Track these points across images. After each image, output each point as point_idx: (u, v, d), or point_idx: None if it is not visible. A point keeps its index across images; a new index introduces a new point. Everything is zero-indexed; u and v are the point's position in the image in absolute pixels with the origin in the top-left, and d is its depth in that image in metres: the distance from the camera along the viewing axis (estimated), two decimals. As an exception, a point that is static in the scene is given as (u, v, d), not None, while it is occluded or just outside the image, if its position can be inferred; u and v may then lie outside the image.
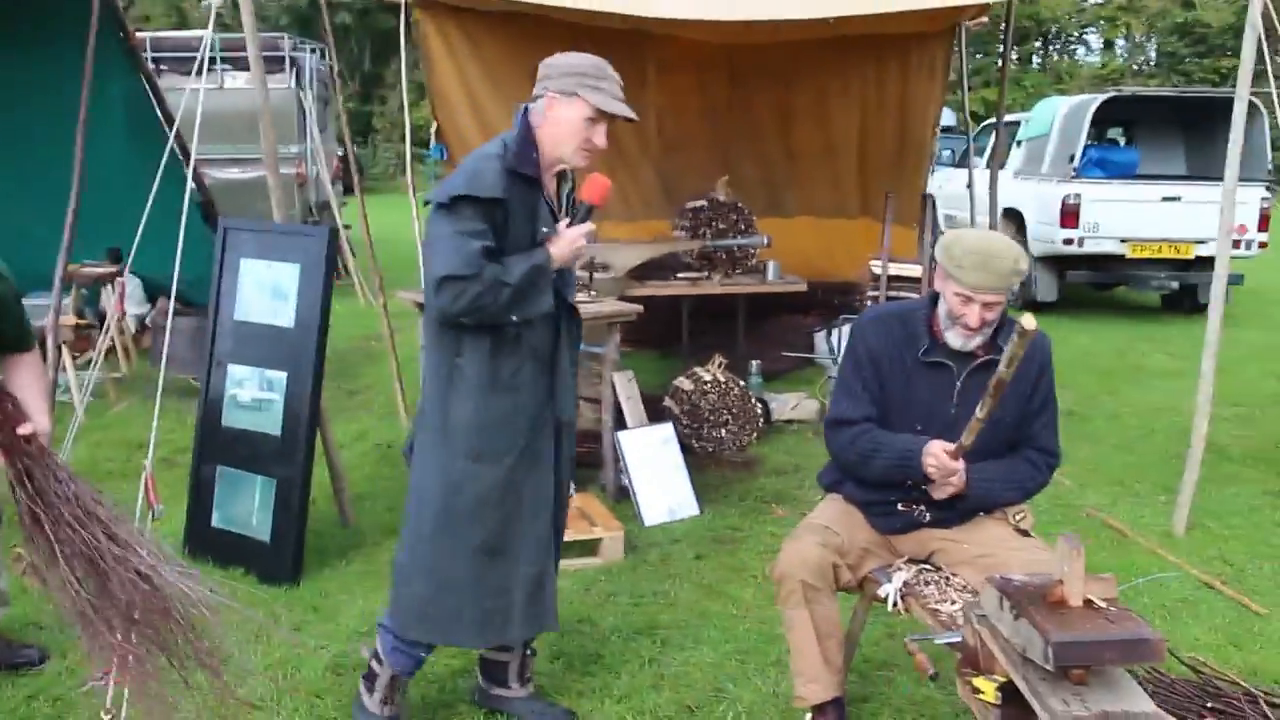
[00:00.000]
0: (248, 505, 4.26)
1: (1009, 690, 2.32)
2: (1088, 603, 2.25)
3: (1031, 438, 3.00)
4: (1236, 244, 9.93)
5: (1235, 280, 10.24)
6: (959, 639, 2.59)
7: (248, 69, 10.51)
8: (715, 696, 3.39)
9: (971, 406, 2.79)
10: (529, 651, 3.25)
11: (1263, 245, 9.84)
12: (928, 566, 3.06)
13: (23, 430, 2.96)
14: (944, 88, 8.14)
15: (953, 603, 2.88)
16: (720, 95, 8.18)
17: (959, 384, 2.93)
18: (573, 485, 4.94)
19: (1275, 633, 3.86)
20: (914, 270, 5.39)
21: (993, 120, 12.35)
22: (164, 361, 4.67)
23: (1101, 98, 10.11)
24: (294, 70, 10.84)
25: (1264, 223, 9.80)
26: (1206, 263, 10.19)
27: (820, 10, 5.48)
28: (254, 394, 4.29)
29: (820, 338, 7.89)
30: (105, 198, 6.77)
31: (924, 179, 8.15)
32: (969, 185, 8.31)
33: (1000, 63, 7.90)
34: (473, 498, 2.84)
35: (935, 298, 2.97)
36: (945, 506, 2.98)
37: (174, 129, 7.58)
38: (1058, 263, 10.23)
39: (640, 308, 5.19)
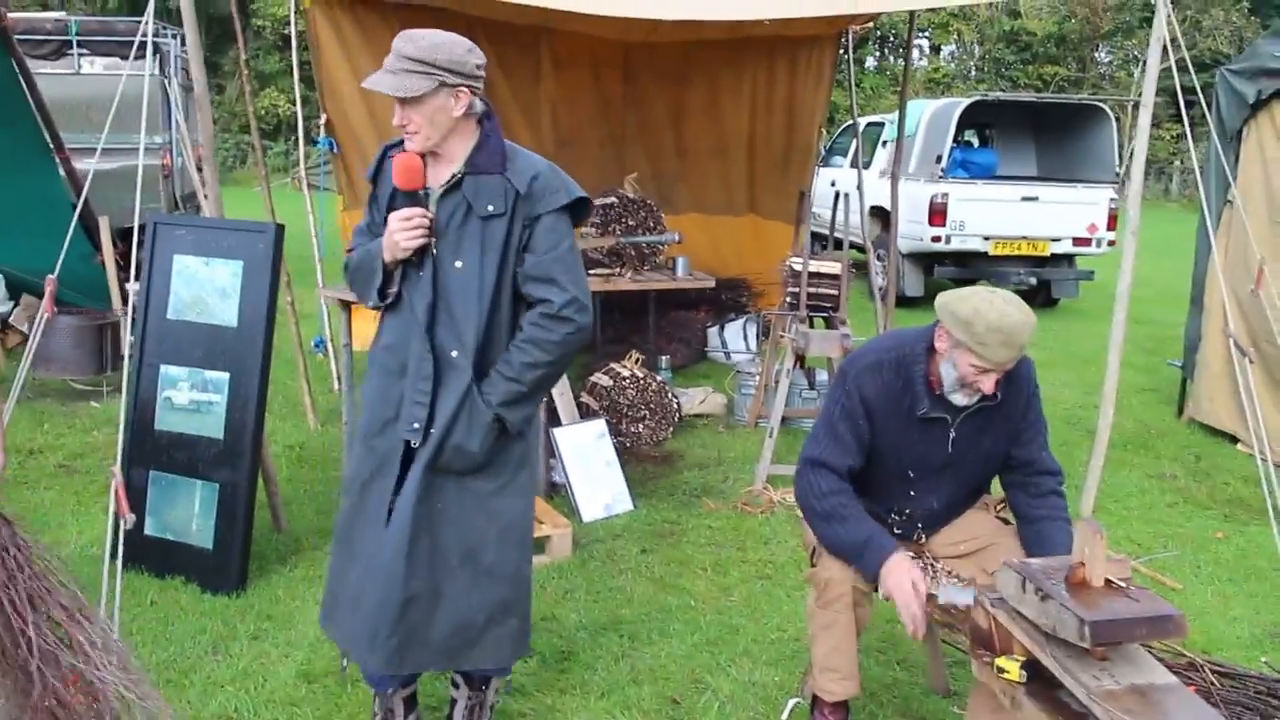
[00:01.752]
0: (187, 512, 4.10)
1: (1030, 669, 2.46)
2: (1107, 583, 2.41)
3: (1031, 463, 3.02)
4: (1087, 242, 10.57)
5: (1086, 276, 10.92)
6: (970, 599, 2.70)
7: (106, 54, 10.11)
8: (695, 688, 3.46)
9: (964, 453, 2.94)
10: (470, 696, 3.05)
11: (1111, 243, 10.46)
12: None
13: None
14: (830, 89, 8.40)
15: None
16: (614, 91, 8.24)
17: (953, 434, 2.97)
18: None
19: (1192, 606, 4.15)
20: (833, 267, 5.54)
21: (852, 122, 12.84)
22: (26, 362, 4.44)
23: (967, 101, 10.58)
24: (157, 57, 10.39)
25: (1112, 222, 10.42)
26: (1060, 260, 10.81)
27: (734, 13, 5.57)
28: (191, 396, 4.13)
29: (713, 333, 8.05)
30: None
31: (809, 178, 8.40)
32: (834, 184, 8.58)
33: (851, 66, 8.18)
34: None
35: (929, 348, 2.92)
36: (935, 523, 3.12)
37: (44, 115, 7.25)
38: (925, 259, 10.66)
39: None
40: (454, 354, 2.70)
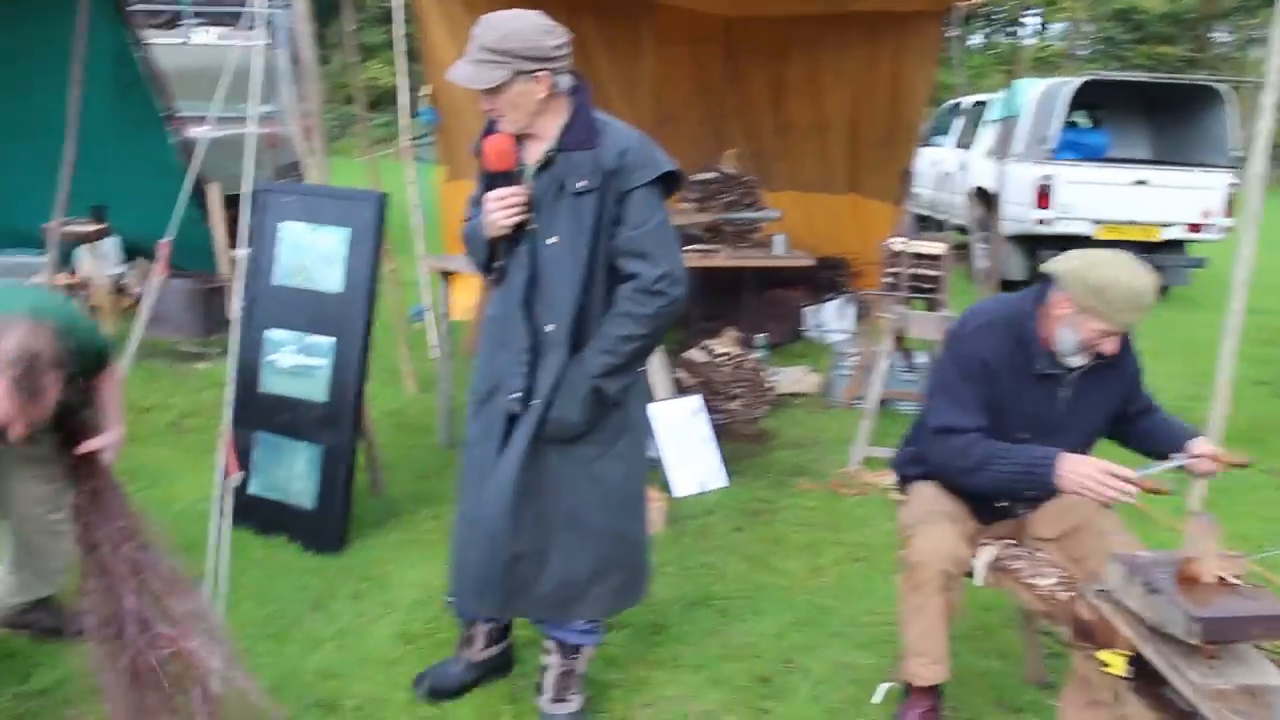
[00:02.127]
0: (290, 472, 4.20)
1: (1134, 663, 2.40)
2: (1219, 579, 2.33)
3: (1141, 411, 3.10)
4: (1200, 228, 10.23)
5: (1197, 264, 10.57)
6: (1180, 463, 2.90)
7: (218, 24, 10.32)
8: (785, 667, 3.44)
9: (1076, 411, 2.93)
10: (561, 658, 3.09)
11: (1226, 230, 10.10)
12: (1011, 541, 3.13)
13: (84, 449, 2.92)
14: (935, 67, 8.24)
15: (1046, 577, 2.95)
16: (715, 68, 8.21)
17: (1067, 391, 2.94)
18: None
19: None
20: (935, 248, 5.45)
21: (956, 100, 12.57)
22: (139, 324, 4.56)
23: (1078, 81, 10.27)
24: (268, 27, 10.59)
25: (1227, 208, 10.06)
26: (1171, 246, 10.47)
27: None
28: (296, 360, 4.23)
29: (809, 312, 7.98)
30: (88, 154, 6.59)
31: (911, 158, 8.25)
32: (936, 164, 8.40)
33: (958, 43, 7.99)
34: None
35: (1035, 302, 2.91)
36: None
37: (161, 85, 7.45)
38: (1029, 242, 10.41)
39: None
40: (550, 328, 2.76)
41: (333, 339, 4.16)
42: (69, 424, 3.04)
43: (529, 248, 2.76)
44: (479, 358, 2.95)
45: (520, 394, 2.79)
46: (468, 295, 7.21)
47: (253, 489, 4.25)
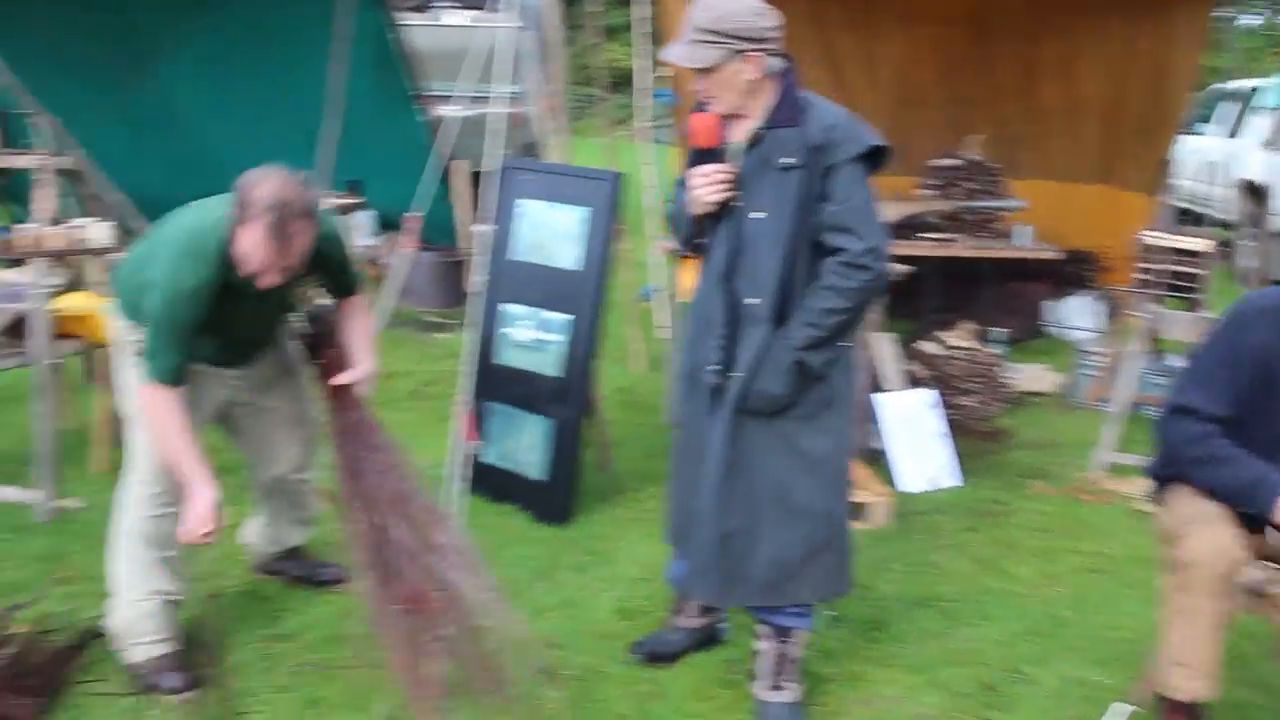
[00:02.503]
0: (521, 443, 4.32)
1: None
2: None
3: None
4: None
5: None
6: None
7: (469, 6, 10.67)
8: (1012, 677, 3.29)
9: None
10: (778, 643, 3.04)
11: None
12: (1273, 565, 2.89)
13: (339, 380, 3.07)
14: (1201, 50, 7.68)
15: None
16: (961, 49, 7.89)
17: None
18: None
19: None
20: (1197, 244, 5.08)
21: (1225, 85, 11.70)
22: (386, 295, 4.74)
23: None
24: (517, 9, 10.90)
25: None
26: None
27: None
28: (531, 334, 4.33)
29: (1052, 307, 7.61)
30: (345, 130, 6.95)
31: (1170, 147, 7.73)
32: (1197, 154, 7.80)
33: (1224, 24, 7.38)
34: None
35: None
36: None
37: (412, 65, 7.77)
38: (1301, 241, 9.62)
39: (909, 268, 5.06)
40: (752, 301, 2.79)
41: (567, 316, 4.25)
42: (324, 355, 3.23)
43: (732, 223, 2.80)
44: (686, 336, 3.02)
45: (718, 366, 2.83)
46: (693, 277, 7.24)
47: (486, 458, 4.39)
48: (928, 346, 5.75)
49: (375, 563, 2.91)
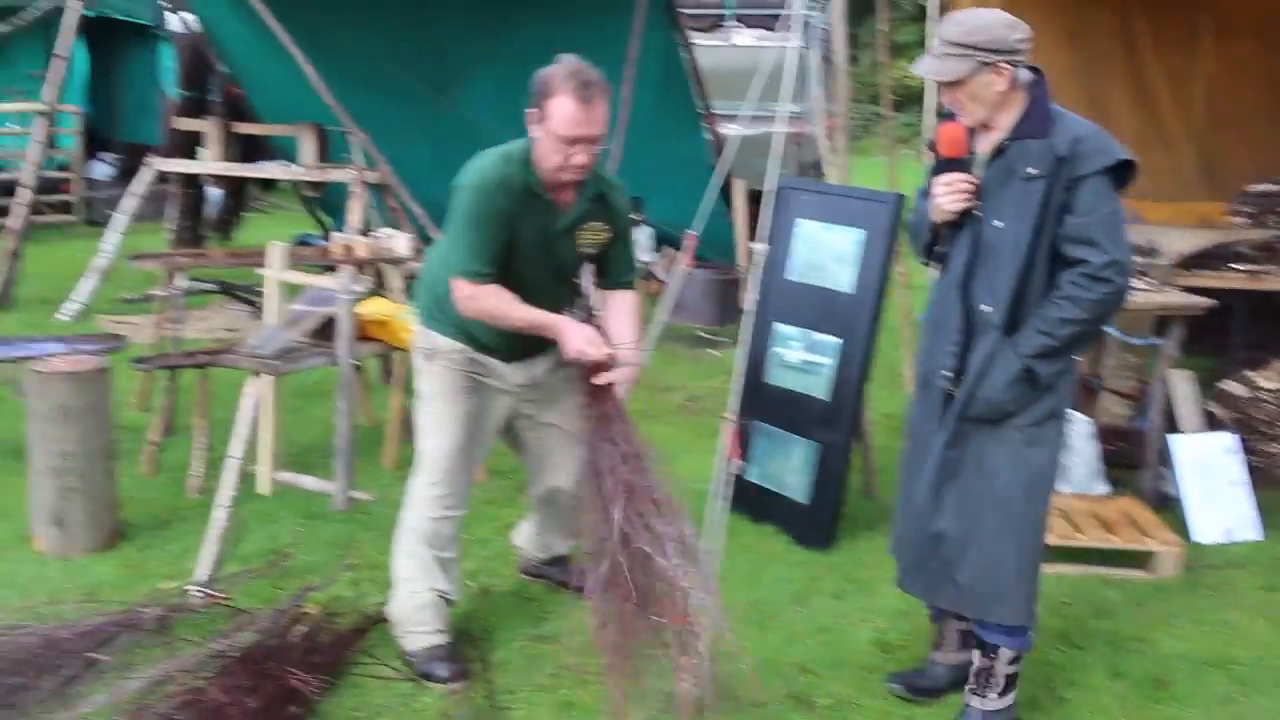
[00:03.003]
0: (786, 465, 4.30)
1: None
2: None
3: None
4: None
5: None
6: None
7: (757, 27, 10.76)
8: (1315, 756, 2.99)
9: None
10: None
11: None
12: None
13: (601, 378, 3.13)
14: None
15: None
16: (1284, 65, 7.26)
17: None
18: (1105, 485, 4.63)
19: None
20: None
21: None
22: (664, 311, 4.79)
23: None
24: (803, 28, 10.92)
25: None
26: None
27: None
28: (802, 356, 4.30)
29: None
30: (631, 147, 7.13)
31: None
32: None
33: None
34: None
35: None
36: None
37: (700, 84, 7.91)
38: None
39: (1211, 302, 4.70)
40: (986, 309, 2.82)
41: (839, 339, 4.19)
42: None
43: (972, 231, 2.84)
44: (921, 343, 3.07)
45: (951, 373, 2.87)
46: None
47: (750, 476, 4.39)
48: (1233, 387, 5.31)
49: (610, 557, 2.97)
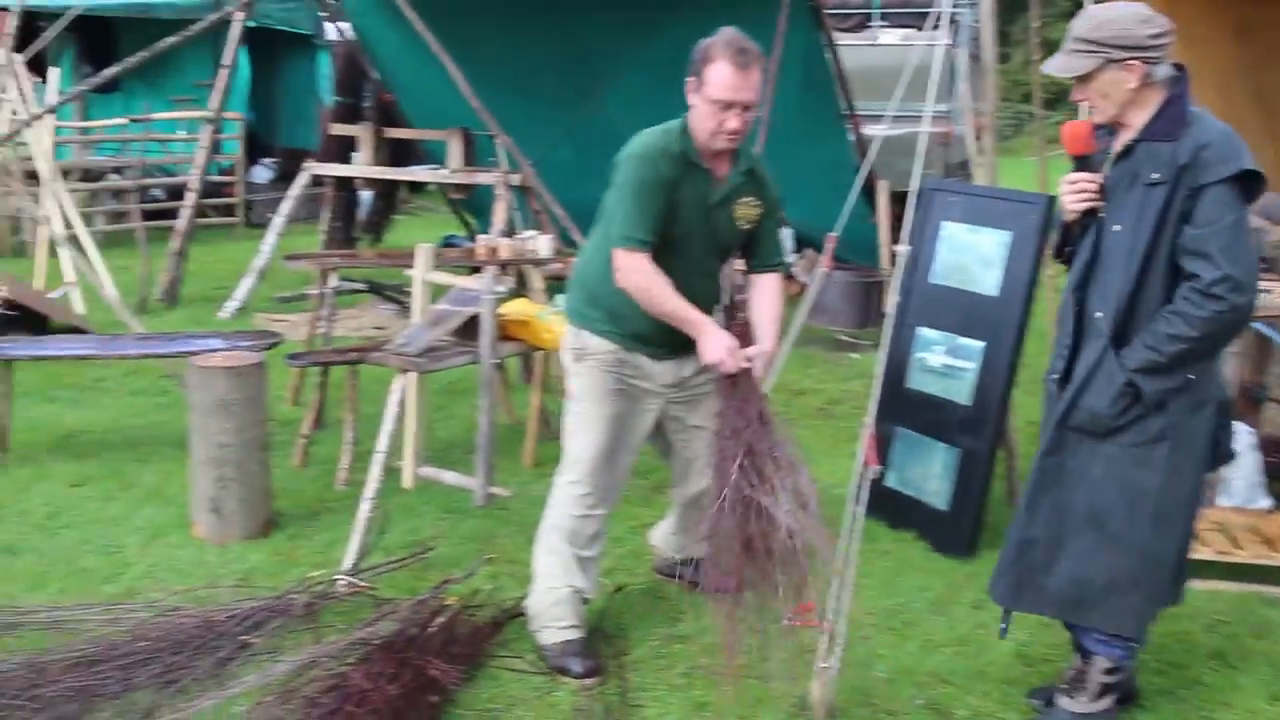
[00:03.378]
0: (926, 471, 4.22)
1: None
2: None
3: None
4: None
5: None
6: None
7: (903, 25, 10.60)
8: None
9: None
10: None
11: None
12: None
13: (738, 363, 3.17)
14: None
15: None
16: None
17: None
18: (1267, 499, 4.41)
19: None
20: None
21: None
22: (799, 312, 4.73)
23: None
24: (952, 26, 10.71)
25: None
26: None
27: None
28: (944, 360, 4.22)
29: None
30: (772, 148, 7.08)
31: None
32: None
33: None
34: None
35: None
36: None
37: (844, 84, 7.82)
38: None
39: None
40: (1098, 315, 2.77)
41: (983, 343, 4.10)
42: (731, 328, 3.31)
43: (1094, 233, 2.80)
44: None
45: (1058, 375, 2.86)
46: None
47: (889, 482, 4.32)
48: None
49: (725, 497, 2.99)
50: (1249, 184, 2.66)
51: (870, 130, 9.95)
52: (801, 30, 7.38)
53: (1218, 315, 2.62)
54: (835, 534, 3.49)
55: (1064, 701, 3.00)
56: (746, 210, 3.24)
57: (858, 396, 5.99)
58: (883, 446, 4.32)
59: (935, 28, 5.01)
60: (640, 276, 3.11)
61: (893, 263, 6.50)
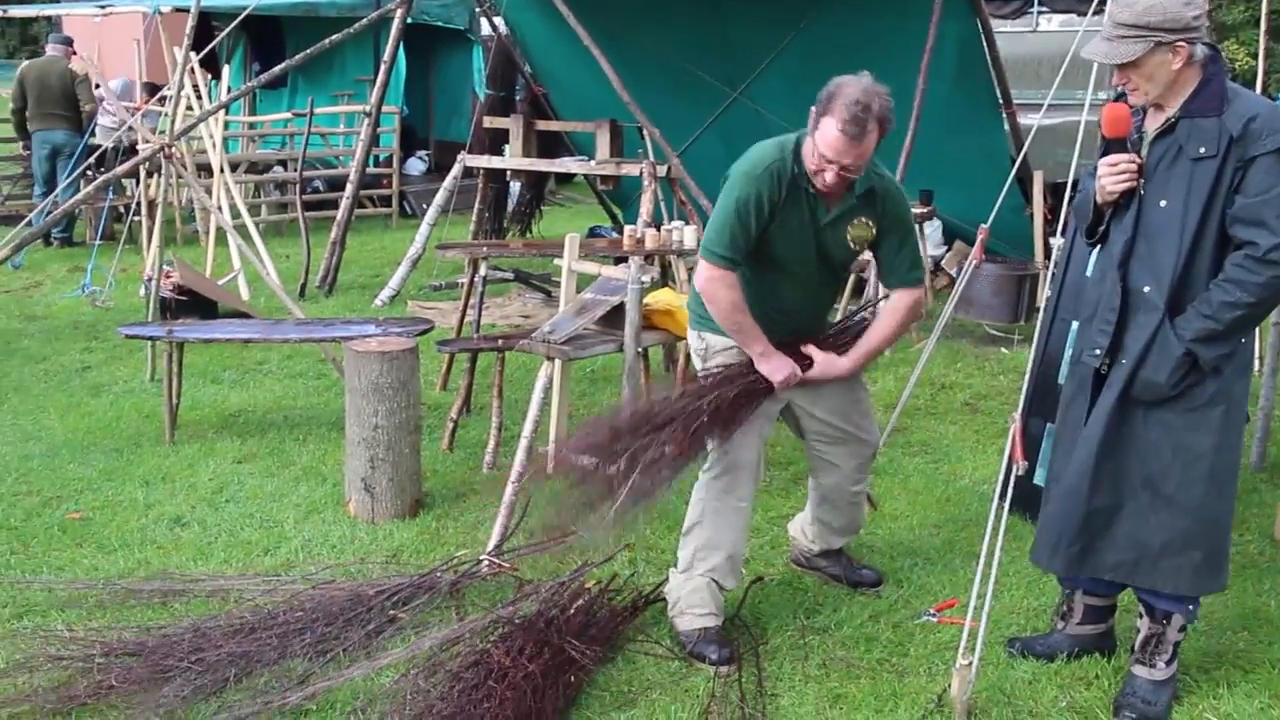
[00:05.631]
0: (1076, 469, 4.08)
1: None
2: None
3: None
4: None
5: None
6: None
7: (1063, 11, 10.25)
8: None
9: None
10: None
11: None
12: None
13: (810, 351, 3.34)
14: None
15: None
16: None
17: None
18: None
19: None
20: None
21: None
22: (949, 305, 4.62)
23: None
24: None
25: None
26: None
27: None
28: (1097, 355, 4.07)
29: None
30: (923, 139, 6.95)
31: None
32: None
33: None
34: None
35: None
36: None
37: (1000, 72, 7.61)
38: None
39: None
40: (1146, 289, 2.81)
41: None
42: (836, 340, 3.42)
43: (1133, 211, 2.83)
44: (1078, 322, 3.08)
45: (1100, 350, 2.89)
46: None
47: (1037, 479, 4.19)
48: None
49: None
50: None
51: (1026, 120, 9.70)
52: (957, 18, 7.19)
53: (1273, 280, 2.69)
54: (979, 530, 3.44)
55: (1143, 671, 3.02)
56: (859, 231, 3.24)
57: (1006, 392, 5.86)
58: (1031, 443, 4.21)
59: (1098, 13, 4.85)
60: (717, 289, 3.18)
61: (1047, 255, 6.35)
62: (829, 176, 3.05)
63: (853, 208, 3.19)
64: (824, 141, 3.01)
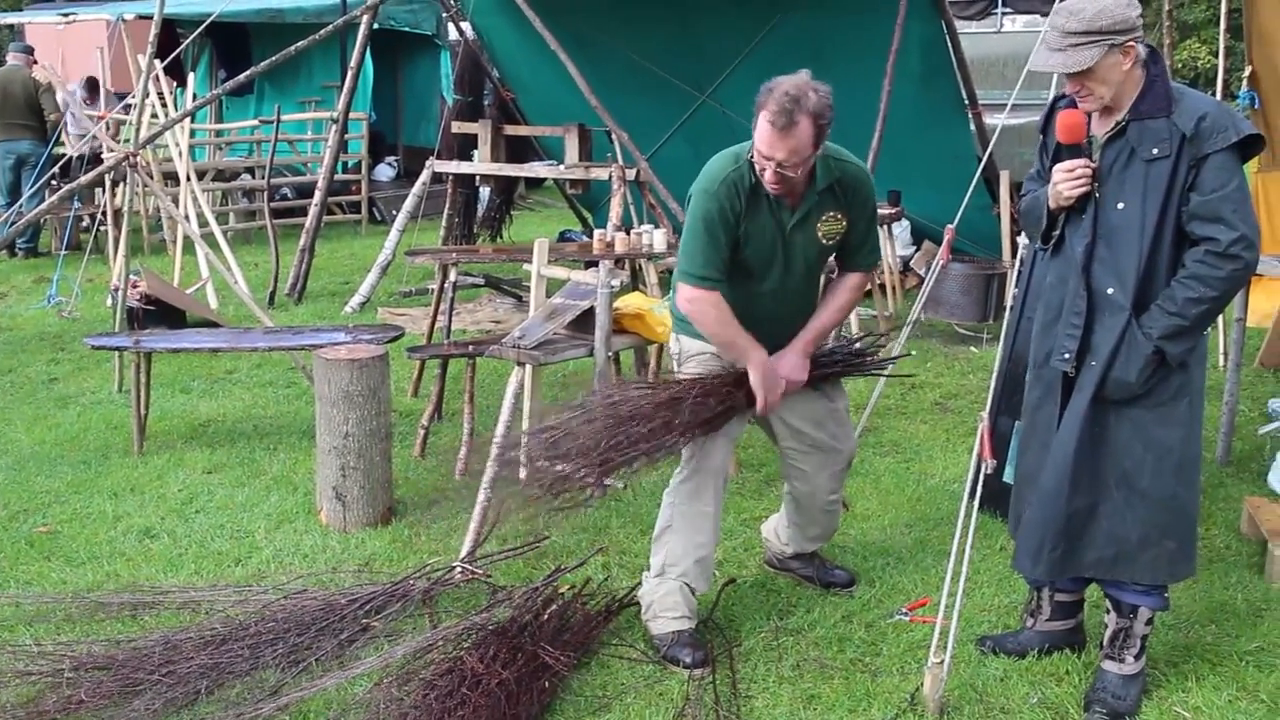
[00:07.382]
0: (1045, 467, 4.12)
1: None
2: None
3: None
4: None
5: None
6: None
7: (1027, 12, 10.34)
8: None
9: None
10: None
11: None
12: None
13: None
14: None
15: None
16: None
17: None
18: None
19: None
20: None
21: None
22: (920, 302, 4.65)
23: None
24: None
25: None
26: None
27: None
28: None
29: None
30: (890, 140, 6.99)
31: None
32: None
33: None
34: None
35: None
36: None
37: (965, 73, 7.67)
38: None
39: None
40: (1110, 291, 2.84)
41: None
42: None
43: (1091, 215, 2.86)
44: (1035, 325, 3.11)
45: (1069, 354, 2.91)
46: (1268, 300, 6.47)
47: (1006, 477, 4.22)
48: None
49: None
50: (1246, 147, 2.75)
51: (993, 120, 9.76)
52: (922, 19, 7.26)
53: (1234, 274, 2.74)
54: (951, 529, 3.46)
55: (1112, 666, 3.05)
56: (830, 226, 3.24)
57: (975, 391, 5.90)
58: (1000, 442, 4.24)
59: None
60: (701, 310, 3.19)
61: (1014, 254, 6.40)
62: (768, 175, 3.04)
63: (817, 204, 3.17)
64: (758, 137, 3.00)
